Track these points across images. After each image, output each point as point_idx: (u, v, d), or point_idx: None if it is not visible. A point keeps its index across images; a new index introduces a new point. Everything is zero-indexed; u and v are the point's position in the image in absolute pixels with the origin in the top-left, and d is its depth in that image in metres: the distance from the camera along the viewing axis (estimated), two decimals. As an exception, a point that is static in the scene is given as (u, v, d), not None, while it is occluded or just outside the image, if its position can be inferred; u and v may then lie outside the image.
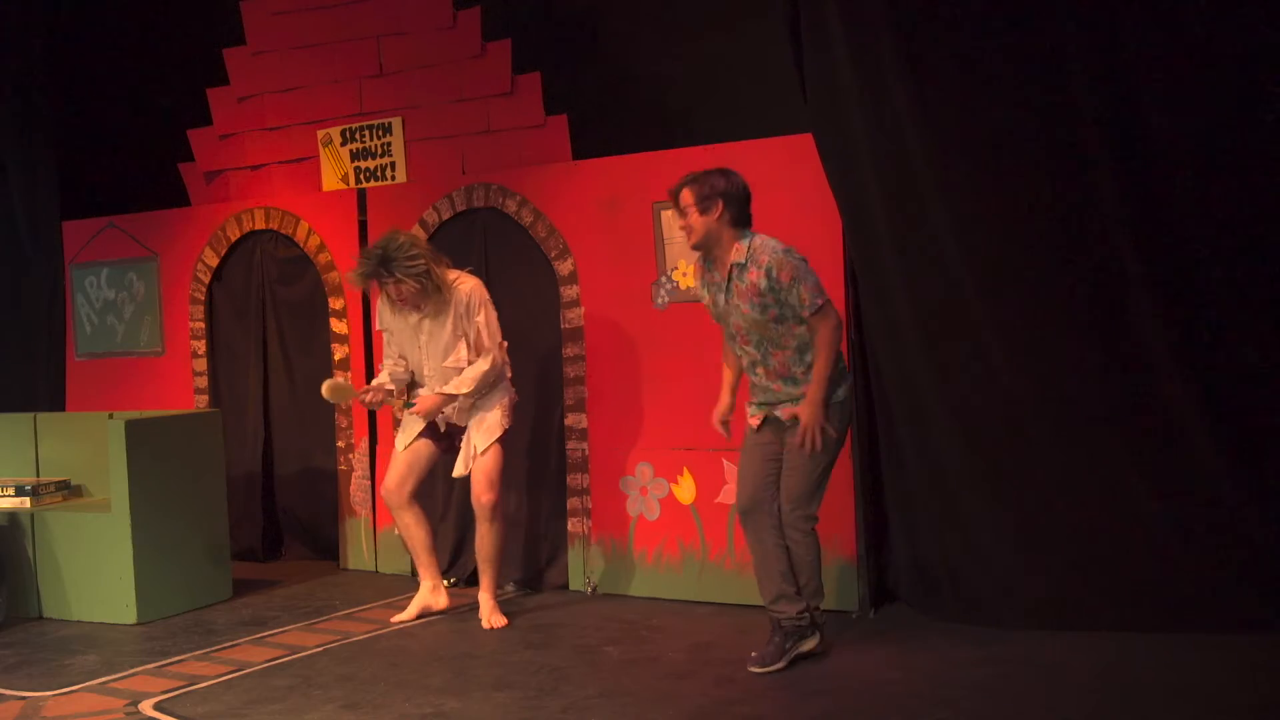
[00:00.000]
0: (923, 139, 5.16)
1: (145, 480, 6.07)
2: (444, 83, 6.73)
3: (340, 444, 7.09)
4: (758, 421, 4.96)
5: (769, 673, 4.79)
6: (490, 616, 5.74)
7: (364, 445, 6.98)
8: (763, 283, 4.74)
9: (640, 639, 5.39)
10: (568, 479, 6.35)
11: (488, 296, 5.76)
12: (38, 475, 6.92)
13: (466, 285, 5.72)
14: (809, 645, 4.91)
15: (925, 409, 5.36)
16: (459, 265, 6.15)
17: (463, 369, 5.72)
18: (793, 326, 4.80)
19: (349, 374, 6.96)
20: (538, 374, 6.45)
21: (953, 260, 5.18)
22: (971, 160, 5.11)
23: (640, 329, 6.11)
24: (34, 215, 8.10)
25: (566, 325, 6.33)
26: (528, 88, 6.52)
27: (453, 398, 5.71)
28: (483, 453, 5.71)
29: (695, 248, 4.94)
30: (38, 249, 8.12)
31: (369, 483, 6.91)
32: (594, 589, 6.25)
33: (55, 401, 8.07)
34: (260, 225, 7.36)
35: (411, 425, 5.91)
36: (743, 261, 4.79)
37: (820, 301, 4.75)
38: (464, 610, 6.00)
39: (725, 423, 5.14)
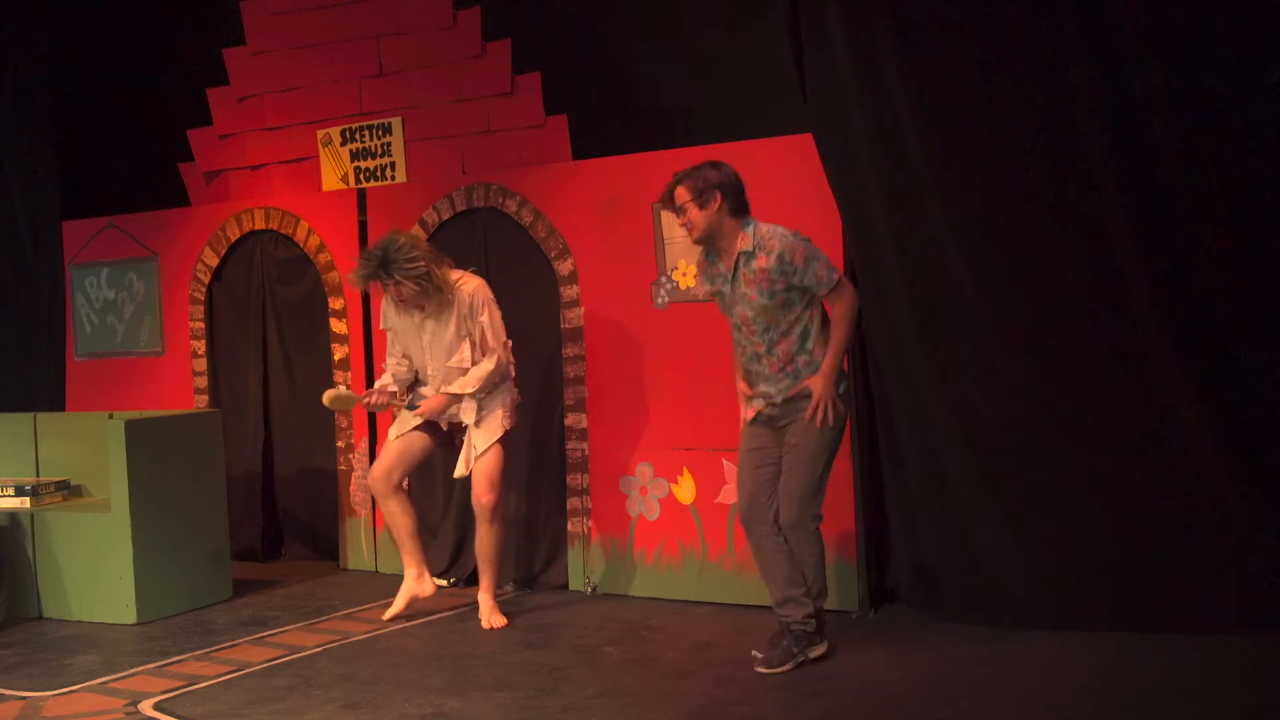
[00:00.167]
0: (923, 139, 5.16)
1: (145, 480, 6.07)
2: (444, 83, 6.73)
3: (340, 444, 7.09)
4: (753, 413, 4.94)
5: (776, 673, 4.79)
6: (490, 616, 5.74)
7: (364, 445, 6.98)
8: (774, 267, 4.74)
9: (640, 639, 5.39)
10: (567, 479, 6.35)
11: (491, 296, 5.76)
12: (38, 475, 6.92)
13: (469, 285, 5.72)
14: (818, 652, 4.89)
15: (925, 409, 5.36)
16: (459, 265, 6.15)
17: (467, 369, 5.72)
18: (798, 311, 4.80)
19: (349, 374, 6.96)
20: (538, 374, 6.45)
21: (953, 260, 5.18)
22: (971, 160, 5.11)
23: (640, 329, 6.11)
24: (34, 215, 8.10)
25: (566, 325, 6.33)
26: (528, 88, 6.52)
27: (458, 397, 5.71)
28: (483, 453, 5.71)
29: (698, 242, 4.94)
30: (38, 249, 8.12)
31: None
32: (594, 589, 6.25)
33: (55, 401, 8.07)
34: (260, 225, 7.36)
35: (410, 417, 5.91)
36: (750, 249, 4.80)
37: (837, 276, 4.81)
38: (464, 610, 6.00)
39: (749, 397, 5.04)
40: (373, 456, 6.89)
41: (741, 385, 5.02)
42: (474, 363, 5.72)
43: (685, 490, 6.02)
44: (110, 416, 6.37)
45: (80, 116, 8.30)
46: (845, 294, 4.84)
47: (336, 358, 7.08)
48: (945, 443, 5.32)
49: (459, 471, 5.79)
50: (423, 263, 5.56)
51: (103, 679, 5.15)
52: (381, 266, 5.56)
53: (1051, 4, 4.92)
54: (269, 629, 5.84)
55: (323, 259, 7.11)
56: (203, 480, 6.41)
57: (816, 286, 4.78)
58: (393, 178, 6.95)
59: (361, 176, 7.06)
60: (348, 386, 6.70)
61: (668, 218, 6.00)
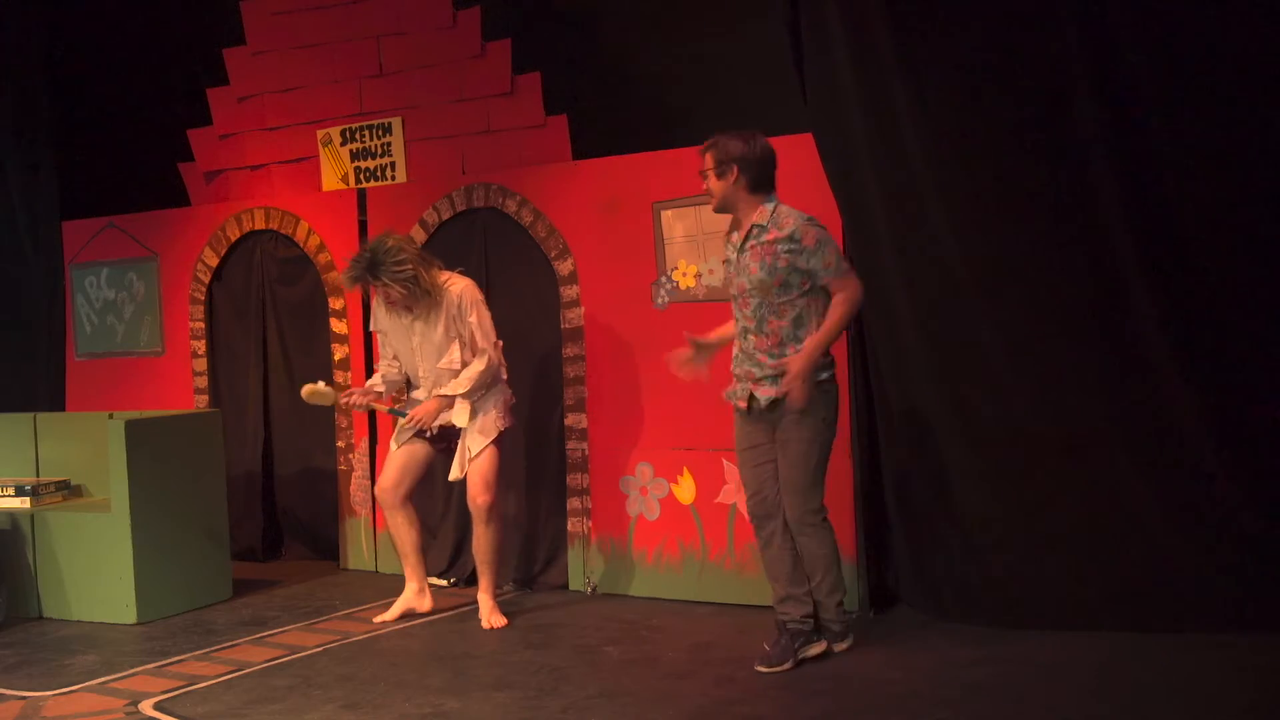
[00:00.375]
0: (922, 139, 5.17)
1: (145, 480, 6.07)
2: (444, 83, 6.73)
3: (340, 444, 7.09)
4: (745, 404, 4.92)
5: (775, 672, 4.79)
6: (490, 617, 5.73)
7: (364, 445, 6.98)
8: (782, 243, 4.73)
9: (640, 639, 5.39)
10: (567, 479, 6.35)
11: (480, 297, 5.76)
12: (38, 475, 6.92)
13: (457, 286, 5.72)
14: (816, 650, 4.89)
15: (925, 409, 5.36)
16: (460, 266, 6.15)
17: (457, 370, 5.71)
18: (795, 296, 4.77)
19: (349, 374, 6.96)
20: (537, 374, 6.45)
21: (953, 260, 5.19)
22: (971, 160, 5.11)
23: (640, 329, 6.11)
24: (34, 215, 8.10)
25: (566, 325, 6.33)
26: (528, 88, 6.52)
27: (450, 400, 5.71)
28: (477, 455, 5.71)
29: (716, 210, 4.95)
30: (38, 249, 8.12)
31: (369, 483, 6.91)
32: (594, 589, 6.25)
33: (55, 401, 8.07)
34: (260, 225, 7.36)
35: (409, 424, 5.90)
36: (764, 224, 4.80)
37: (844, 268, 4.78)
38: (463, 610, 5.99)
39: (696, 345, 5.06)
40: (373, 456, 6.90)
41: (735, 368, 4.99)
42: (464, 363, 5.72)
43: (685, 490, 6.02)
44: (110, 416, 6.36)
45: (80, 116, 8.30)
46: (850, 284, 4.79)
47: (336, 358, 7.08)
48: (945, 443, 5.33)
49: (454, 475, 5.78)
50: (410, 265, 5.56)
51: (103, 679, 5.15)
52: (369, 269, 5.56)
53: (1051, 4, 4.92)
54: (269, 629, 5.84)
55: (323, 259, 7.11)
56: (203, 480, 6.41)
57: (822, 271, 4.74)
58: (393, 178, 6.95)
59: (361, 176, 7.06)
60: (346, 385, 6.69)
61: (668, 218, 6.00)
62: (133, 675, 5.18)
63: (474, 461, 5.71)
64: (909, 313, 5.32)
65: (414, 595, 5.94)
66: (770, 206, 4.82)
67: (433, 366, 5.77)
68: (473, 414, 5.74)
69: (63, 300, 8.11)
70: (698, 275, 5.93)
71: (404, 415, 5.82)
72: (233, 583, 6.56)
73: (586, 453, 6.29)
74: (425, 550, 6.05)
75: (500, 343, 5.84)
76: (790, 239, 4.74)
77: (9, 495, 6.45)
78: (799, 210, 4.83)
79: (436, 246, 6.67)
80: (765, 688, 4.65)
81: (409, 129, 6.89)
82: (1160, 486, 4.94)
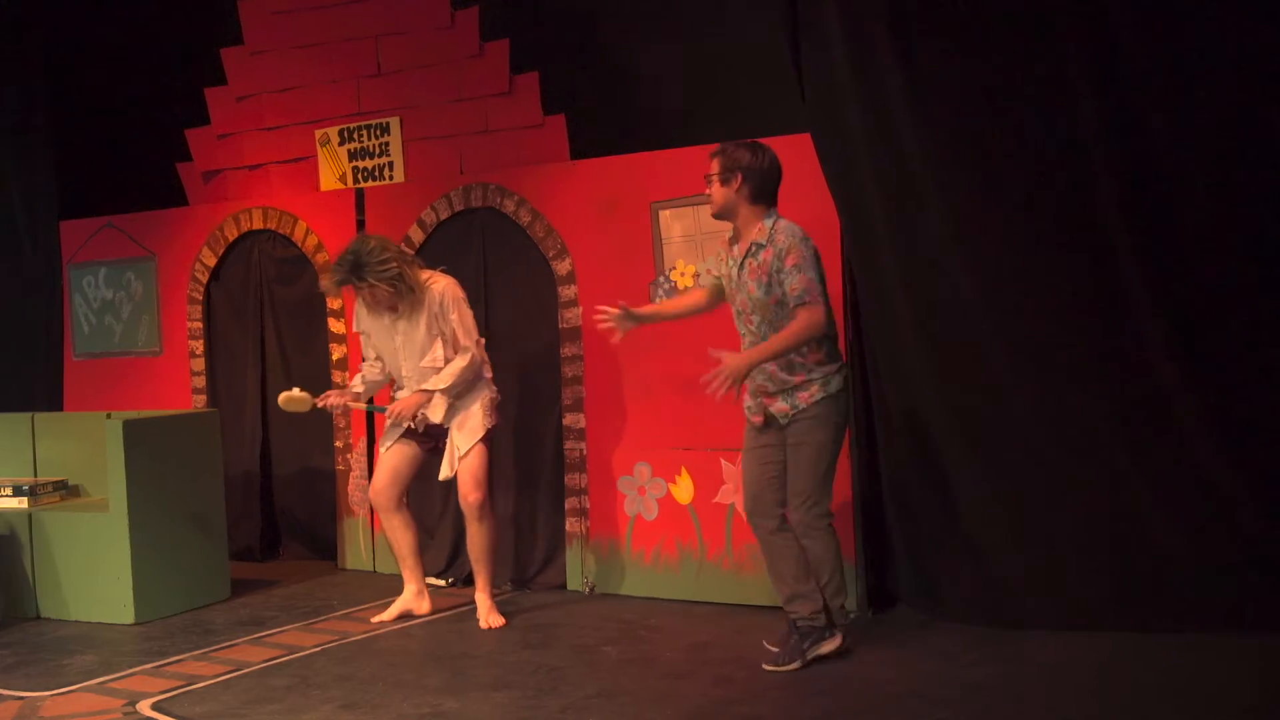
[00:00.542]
0: (921, 139, 5.16)
1: (143, 480, 6.06)
2: (442, 82, 6.72)
3: (338, 444, 7.08)
4: (760, 420, 4.94)
5: (783, 672, 4.78)
6: (488, 616, 5.73)
7: (362, 445, 6.97)
8: (771, 262, 4.74)
9: (638, 639, 5.39)
10: (565, 479, 6.35)
11: (462, 294, 5.76)
12: (35, 475, 6.91)
13: (439, 285, 5.71)
14: (829, 647, 4.87)
15: (925, 409, 5.36)
16: (458, 265, 6.16)
17: (440, 368, 5.71)
18: (791, 311, 4.78)
19: (346, 374, 6.95)
20: (535, 374, 6.45)
21: (953, 260, 5.18)
22: (970, 160, 5.11)
23: (639, 329, 6.08)
24: (32, 215, 8.09)
25: (564, 325, 6.32)
26: (526, 87, 6.51)
27: (431, 394, 5.70)
28: (466, 453, 5.70)
29: (715, 217, 4.96)
30: (36, 248, 8.11)
31: (367, 482, 6.89)
32: (592, 589, 6.25)
33: (53, 401, 8.06)
34: (258, 225, 7.35)
35: (394, 428, 5.90)
36: (762, 242, 4.80)
37: (808, 299, 4.70)
38: (462, 610, 5.99)
39: (625, 312, 5.13)
40: (371, 456, 6.89)
41: (747, 384, 4.99)
42: (447, 361, 5.72)
43: (683, 490, 6.02)
44: (108, 416, 6.35)
45: (79, 116, 8.29)
46: (812, 312, 4.70)
47: (334, 357, 7.07)
48: (945, 443, 5.32)
49: (444, 474, 5.78)
50: (394, 264, 5.56)
51: (101, 679, 5.14)
52: (354, 271, 5.56)
53: (1051, 2, 4.92)
54: (267, 629, 5.83)
55: (321, 259, 7.10)
56: (201, 480, 6.40)
57: (788, 296, 4.74)
58: (391, 177, 6.95)
59: (359, 176, 7.05)
60: (344, 385, 6.68)
61: (666, 218, 6.00)
62: (131, 675, 5.17)
63: (464, 460, 5.70)
64: (908, 313, 5.32)
65: (413, 597, 5.93)
66: (769, 223, 4.82)
67: (416, 365, 5.76)
68: (455, 411, 5.73)
69: (61, 300, 8.10)
70: (696, 275, 5.92)
71: (382, 411, 5.82)
72: (231, 583, 6.55)
73: (584, 452, 6.28)
74: (423, 552, 6.04)
75: (483, 340, 5.84)
76: (777, 256, 4.74)
77: (7, 495, 6.44)
78: (797, 225, 4.82)
79: (434, 246, 6.68)
80: (764, 688, 4.65)
81: (407, 129, 6.88)
82: (1160, 486, 4.94)
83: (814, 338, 4.75)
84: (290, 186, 7.30)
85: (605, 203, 6.20)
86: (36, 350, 8.17)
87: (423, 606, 5.92)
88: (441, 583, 6.54)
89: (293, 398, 5.95)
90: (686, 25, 6.60)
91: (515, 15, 6.85)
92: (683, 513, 6.01)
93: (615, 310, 5.16)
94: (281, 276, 7.36)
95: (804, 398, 4.82)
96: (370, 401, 6.10)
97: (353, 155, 7.05)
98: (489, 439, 5.78)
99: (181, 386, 7.60)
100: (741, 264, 4.86)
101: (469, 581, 6.32)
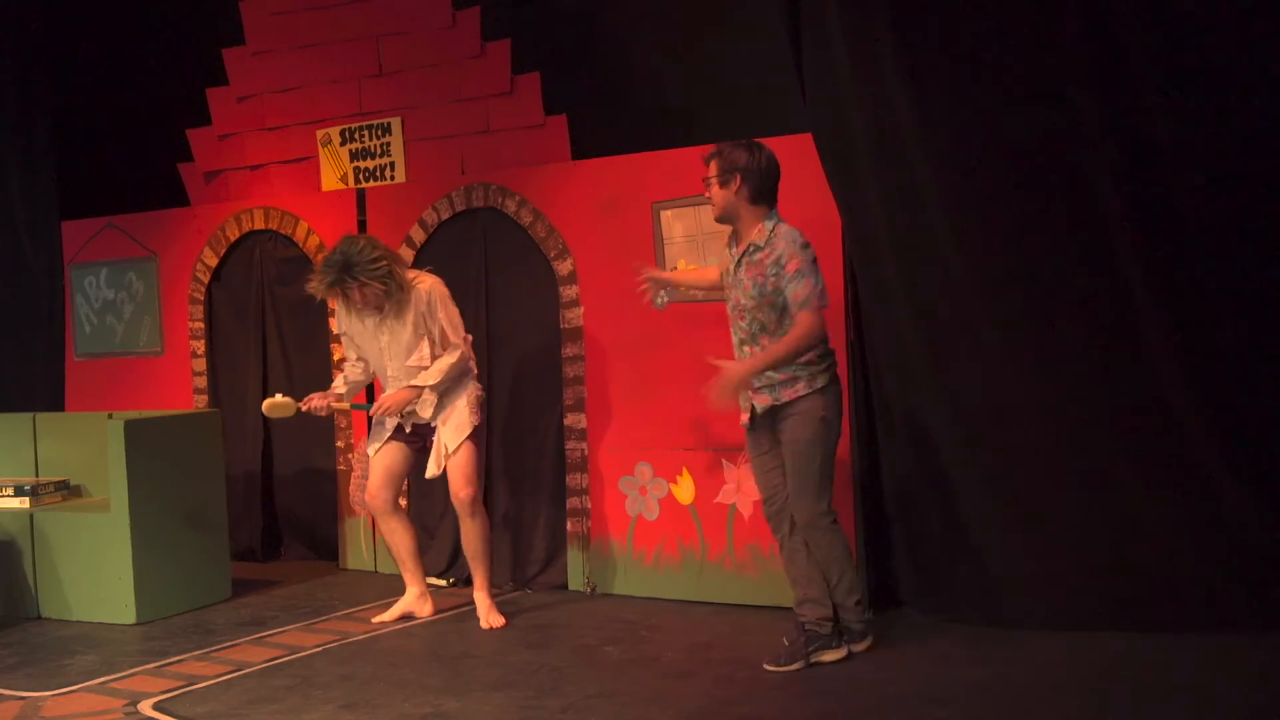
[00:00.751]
0: (922, 139, 5.16)
1: (144, 480, 6.06)
2: (443, 83, 6.73)
3: (339, 444, 7.09)
4: (747, 417, 4.94)
5: (781, 671, 4.78)
6: (488, 615, 5.73)
7: (363, 446, 6.96)
8: (770, 265, 4.74)
9: (639, 639, 5.39)
10: (567, 479, 6.35)
11: (447, 293, 5.76)
12: (37, 475, 6.92)
13: (425, 284, 5.71)
14: (831, 657, 4.87)
15: (925, 408, 5.36)
16: (459, 265, 6.17)
17: (427, 366, 5.71)
18: (784, 314, 4.77)
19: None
20: (536, 374, 6.45)
21: (952, 259, 5.18)
22: (971, 160, 5.10)
23: (640, 329, 6.11)
24: (33, 215, 8.09)
25: (566, 325, 6.32)
26: (527, 87, 6.51)
27: (420, 390, 5.70)
28: (455, 450, 5.71)
29: (717, 220, 4.97)
30: (37, 249, 8.11)
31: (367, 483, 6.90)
32: (593, 589, 6.25)
33: (54, 401, 8.07)
34: (259, 225, 7.36)
35: (380, 429, 5.90)
36: (760, 244, 4.79)
37: (812, 305, 4.69)
38: (463, 611, 5.99)
39: (654, 278, 5.31)
40: (372, 457, 6.90)
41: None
42: (433, 359, 5.72)
43: (684, 490, 6.02)
44: (109, 416, 6.36)
45: (80, 116, 8.30)
46: (810, 320, 4.68)
47: (336, 358, 7.07)
48: (945, 442, 5.32)
49: (431, 472, 5.77)
50: (384, 261, 5.55)
51: (102, 679, 5.15)
52: (345, 271, 5.53)
53: (1051, 3, 4.92)
54: (268, 629, 5.84)
55: (322, 259, 7.09)
56: (202, 480, 6.41)
57: (791, 303, 4.73)
58: (392, 178, 6.95)
59: (361, 176, 7.05)
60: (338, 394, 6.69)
61: (667, 218, 6.00)
62: (132, 675, 5.18)
63: (452, 457, 5.70)
64: (908, 312, 5.32)
65: (415, 599, 5.93)
66: (770, 225, 4.81)
67: (402, 364, 5.76)
68: (440, 408, 5.74)
69: (62, 300, 8.11)
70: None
71: (367, 408, 5.82)
72: (232, 583, 6.56)
73: (586, 453, 6.28)
74: (423, 553, 6.04)
75: (470, 337, 5.85)
76: (776, 262, 4.73)
77: (8, 495, 6.44)
78: (797, 230, 4.81)
79: (436, 247, 6.69)
80: (765, 688, 4.65)
81: (408, 129, 6.88)
82: (1160, 486, 4.94)
83: (814, 344, 4.74)
84: (291, 187, 7.31)
85: (606, 203, 6.20)
86: (38, 350, 8.17)
87: (425, 609, 5.92)
88: (442, 583, 6.55)
89: (276, 404, 5.94)
90: (687, 25, 6.61)
91: (516, 15, 6.86)
92: (684, 513, 6.02)
93: (646, 278, 5.25)
94: (283, 277, 7.36)
95: (788, 393, 4.80)
96: (354, 402, 6.09)
97: (354, 155, 7.06)
98: (477, 436, 5.79)
99: (183, 387, 7.61)
100: (739, 262, 4.86)
101: (470, 582, 6.32)
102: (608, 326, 6.21)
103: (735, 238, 4.94)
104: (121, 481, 5.99)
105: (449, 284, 5.83)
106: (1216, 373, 4.83)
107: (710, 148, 4.94)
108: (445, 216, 6.70)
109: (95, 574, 6.09)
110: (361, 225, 6.95)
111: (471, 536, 5.77)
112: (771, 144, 5.67)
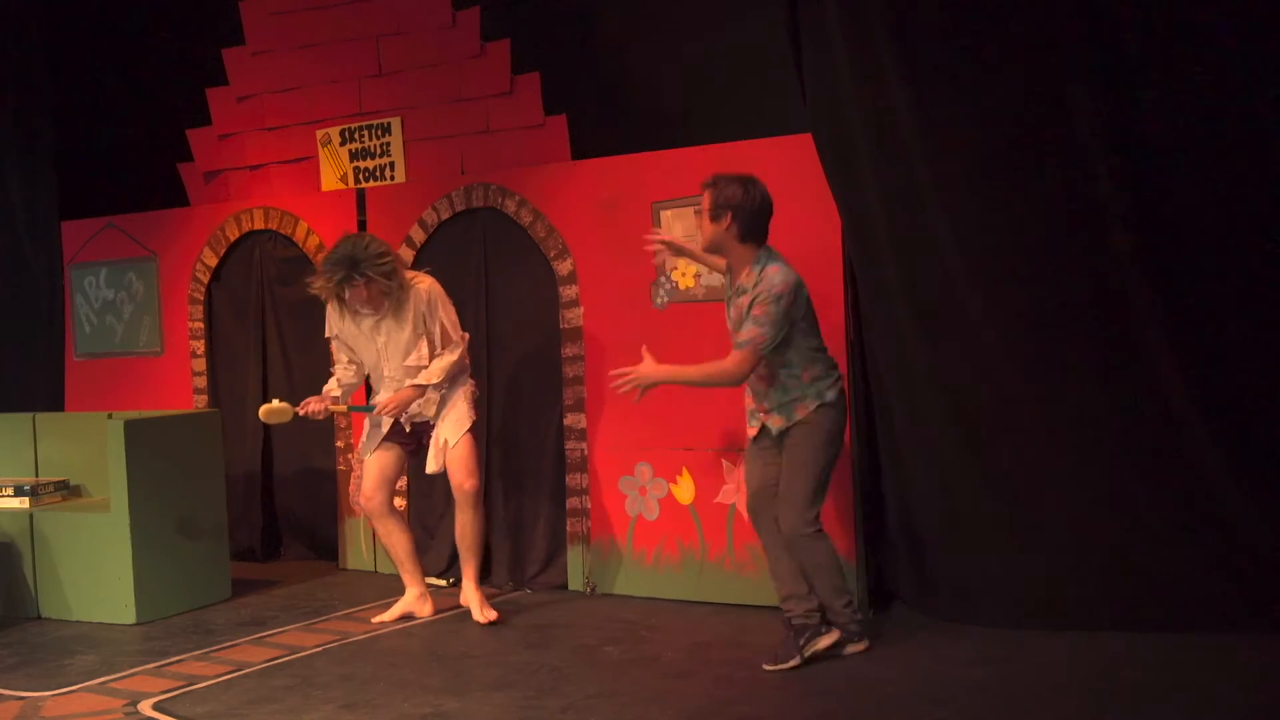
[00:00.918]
0: (922, 139, 5.16)
1: (144, 480, 6.06)
2: (443, 83, 6.73)
3: (339, 444, 7.09)
4: (755, 432, 5.00)
5: (781, 670, 4.79)
6: (482, 610, 5.74)
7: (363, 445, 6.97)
8: (745, 309, 4.80)
9: (639, 639, 5.39)
10: (566, 479, 6.35)
11: (444, 292, 5.78)
12: (37, 475, 6.92)
13: (424, 284, 5.72)
14: (825, 642, 4.89)
15: (925, 409, 5.36)
16: (459, 265, 6.17)
17: (426, 366, 5.71)
18: (781, 348, 4.80)
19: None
20: (536, 374, 6.45)
21: (952, 260, 5.18)
22: (971, 160, 5.11)
23: (640, 329, 6.10)
24: (33, 215, 8.09)
25: (566, 325, 6.32)
26: (527, 87, 6.51)
27: (423, 389, 5.70)
28: (455, 444, 5.71)
29: (704, 250, 5.02)
30: (37, 249, 8.11)
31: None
32: (593, 589, 6.25)
33: (54, 401, 8.07)
34: (259, 225, 7.36)
35: (375, 431, 5.90)
36: (747, 288, 4.83)
37: (749, 347, 4.72)
38: (463, 610, 5.98)
39: (667, 243, 5.32)
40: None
41: (747, 399, 5.04)
42: (431, 358, 5.72)
43: (684, 490, 6.02)
44: (109, 416, 6.36)
45: (80, 116, 8.29)
46: (733, 359, 4.75)
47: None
48: (945, 443, 5.32)
49: (431, 468, 5.79)
50: (390, 258, 5.57)
51: (102, 679, 5.15)
52: (353, 267, 5.52)
53: (1051, 3, 4.92)
54: (268, 629, 5.83)
55: (321, 259, 7.09)
56: (202, 480, 6.41)
57: (737, 337, 4.78)
58: (392, 178, 6.95)
59: (360, 176, 7.05)
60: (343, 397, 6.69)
61: (667, 218, 6.00)
62: (132, 675, 5.17)
63: (453, 450, 5.71)
64: (908, 312, 5.32)
65: (415, 600, 5.93)
66: (758, 269, 4.81)
67: (399, 365, 5.76)
68: (442, 404, 5.75)
69: (62, 300, 8.11)
70: (697, 275, 5.93)
71: (370, 410, 5.82)
72: (232, 583, 6.55)
73: (585, 453, 6.28)
74: (422, 553, 6.04)
75: (468, 335, 5.87)
76: (752, 303, 4.76)
77: (8, 495, 6.44)
78: (783, 274, 4.77)
79: (436, 247, 6.69)
80: (765, 688, 4.65)
81: (408, 129, 6.88)
82: (1160, 486, 4.94)
83: (725, 384, 4.89)
84: (291, 187, 7.31)
85: (606, 203, 6.20)
86: (37, 350, 8.17)
87: (425, 609, 5.92)
88: (442, 582, 6.55)
89: (272, 410, 5.92)
90: (687, 25, 6.60)
91: (516, 15, 6.85)
92: (684, 513, 6.02)
93: (657, 241, 5.30)
94: (283, 277, 7.36)
95: (800, 411, 4.85)
96: (351, 403, 6.08)
97: (354, 155, 7.06)
98: (475, 429, 5.81)
99: (183, 387, 7.61)
100: (728, 297, 4.95)
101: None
102: (607, 326, 6.21)
103: (727, 268, 4.98)
104: (121, 482, 5.99)
105: (448, 284, 5.85)
106: (1216, 373, 4.84)
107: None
108: (445, 216, 6.70)
109: (95, 574, 6.09)
110: (361, 225, 6.95)
111: (470, 529, 5.78)
112: (771, 144, 5.69)
